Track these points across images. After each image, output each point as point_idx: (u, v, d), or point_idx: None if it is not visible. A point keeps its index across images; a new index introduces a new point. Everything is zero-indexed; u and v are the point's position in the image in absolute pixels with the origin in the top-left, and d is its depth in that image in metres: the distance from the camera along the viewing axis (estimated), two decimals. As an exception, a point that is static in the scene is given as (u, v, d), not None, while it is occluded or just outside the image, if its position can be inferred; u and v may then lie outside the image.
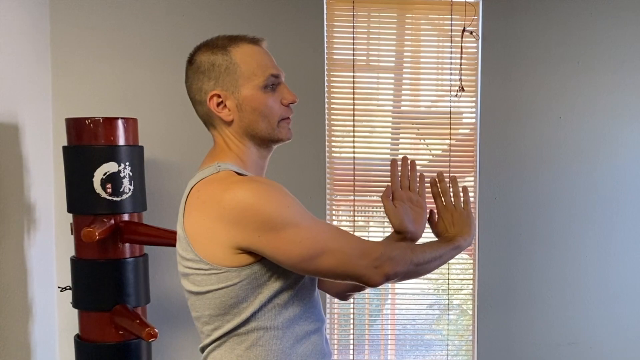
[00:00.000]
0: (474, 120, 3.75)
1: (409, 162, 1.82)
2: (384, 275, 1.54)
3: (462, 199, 1.81)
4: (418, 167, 3.48)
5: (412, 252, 1.61)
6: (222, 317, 1.56)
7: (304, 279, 1.60)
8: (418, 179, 1.82)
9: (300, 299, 1.60)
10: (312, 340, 1.63)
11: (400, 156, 1.86)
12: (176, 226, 1.63)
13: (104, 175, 2.78)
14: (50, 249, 3.40)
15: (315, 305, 1.66)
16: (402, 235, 1.75)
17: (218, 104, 1.60)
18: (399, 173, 1.81)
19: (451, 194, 1.81)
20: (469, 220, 1.79)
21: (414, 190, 1.80)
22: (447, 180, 1.84)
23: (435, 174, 1.82)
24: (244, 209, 1.45)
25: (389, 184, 1.81)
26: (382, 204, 1.77)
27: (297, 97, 1.64)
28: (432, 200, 1.83)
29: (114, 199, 2.81)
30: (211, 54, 1.59)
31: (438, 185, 1.81)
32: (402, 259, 1.57)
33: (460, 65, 3.65)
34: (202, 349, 1.64)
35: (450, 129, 3.73)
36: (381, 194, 1.78)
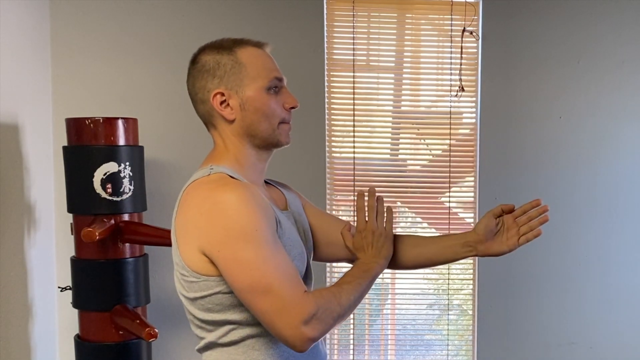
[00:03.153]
0: (474, 121, 3.74)
1: (375, 195, 1.76)
2: (307, 339, 1.44)
3: (385, 218, 1.76)
4: (418, 168, 3.46)
5: (338, 303, 1.52)
6: (214, 323, 1.55)
7: None
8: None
9: None
10: None
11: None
12: None
13: (104, 175, 2.77)
14: (50, 249, 3.39)
15: None
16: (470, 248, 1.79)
17: (221, 103, 1.59)
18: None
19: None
20: (387, 242, 1.75)
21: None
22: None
23: (368, 188, 1.78)
24: (219, 212, 1.44)
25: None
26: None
27: (298, 102, 1.65)
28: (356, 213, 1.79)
29: (114, 199, 2.80)
30: (217, 54, 1.60)
31: (366, 198, 1.77)
32: (329, 317, 1.48)
33: (460, 65, 3.63)
34: (199, 351, 1.64)
35: (450, 129, 3.72)
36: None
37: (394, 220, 1.81)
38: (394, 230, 1.80)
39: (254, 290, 1.43)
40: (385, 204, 1.79)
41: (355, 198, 1.80)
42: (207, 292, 1.50)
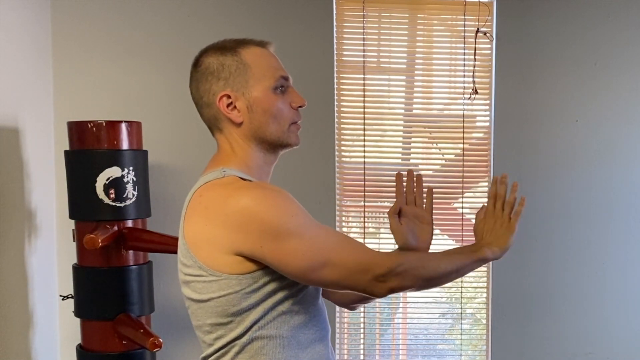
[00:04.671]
0: (488, 124, 3.69)
1: (414, 176, 1.81)
2: (387, 290, 1.52)
3: (514, 208, 1.76)
4: (430, 172, 3.48)
5: (424, 267, 1.56)
6: (225, 326, 1.53)
7: (308, 287, 1.58)
8: (425, 193, 1.81)
9: (305, 307, 1.57)
10: (317, 350, 1.61)
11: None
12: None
13: (107, 180, 2.75)
14: (51, 256, 3.37)
15: (320, 314, 1.64)
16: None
17: (228, 105, 1.58)
18: (405, 187, 1.82)
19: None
20: (508, 233, 1.74)
21: (419, 205, 1.81)
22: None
23: (501, 175, 1.79)
24: (248, 216, 1.44)
25: (396, 199, 1.81)
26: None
27: (306, 101, 1.64)
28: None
29: (117, 204, 2.78)
30: (220, 55, 1.59)
31: (497, 185, 1.78)
32: (410, 275, 1.53)
33: (474, 67, 3.59)
34: (205, 358, 1.61)
35: (463, 132, 3.67)
36: (392, 199, 1.79)
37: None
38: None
39: (315, 269, 1.47)
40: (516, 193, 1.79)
41: (490, 185, 1.81)
42: (226, 292, 1.49)
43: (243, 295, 1.49)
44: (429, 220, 1.80)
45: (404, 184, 1.80)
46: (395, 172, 1.82)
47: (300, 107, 1.63)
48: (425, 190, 1.81)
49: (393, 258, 1.53)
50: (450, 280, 1.65)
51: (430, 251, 1.79)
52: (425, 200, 1.81)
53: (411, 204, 1.80)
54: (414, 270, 1.53)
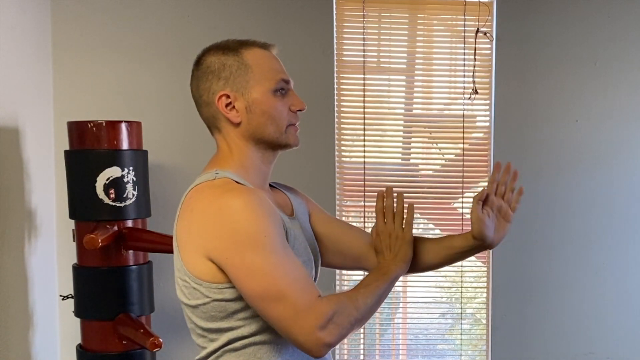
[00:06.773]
0: (488, 124, 3.68)
1: (512, 170, 1.70)
2: (323, 344, 1.40)
3: (404, 219, 1.73)
4: (430, 173, 3.42)
5: (356, 308, 1.47)
6: (216, 331, 1.52)
7: None
8: (406, 213, 1.74)
9: None
10: None
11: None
12: None
13: (107, 180, 2.75)
14: (51, 256, 3.36)
15: None
16: (478, 242, 1.68)
17: (227, 105, 1.57)
18: (499, 178, 1.70)
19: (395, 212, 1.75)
20: (405, 245, 1.71)
21: (507, 200, 1.71)
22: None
23: (385, 189, 1.76)
24: (224, 217, 1.43)
25: (485, 187, 1.70)
26: None
27: (305, 105, 1.62)
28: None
29: (117, 204, 2.77)
30: (222, 55, 1.58)
31: (384, 200, 1.75)
32: (347, 321, 1.44)
33: (474, 67, 3.58)
34: None
35: (463, 132, 3.66)
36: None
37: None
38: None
39: (266, 297, 1.41)
40: (405, 203, 1.75)
41: (375, 200, 1.78)
42: (209, 299, 1.48)
43: (227, 303, 1.48)
44: (508, 217, 1.70)
45: (498, 174, 1.69)
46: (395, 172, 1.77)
47: (299, 110, 1.61)
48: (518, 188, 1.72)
49: (328, 305, 1.42)
50: (375, 311, 1.58)
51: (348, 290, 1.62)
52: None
53: (500, 195, 1.69)
54: (347, 315, 1.44)
